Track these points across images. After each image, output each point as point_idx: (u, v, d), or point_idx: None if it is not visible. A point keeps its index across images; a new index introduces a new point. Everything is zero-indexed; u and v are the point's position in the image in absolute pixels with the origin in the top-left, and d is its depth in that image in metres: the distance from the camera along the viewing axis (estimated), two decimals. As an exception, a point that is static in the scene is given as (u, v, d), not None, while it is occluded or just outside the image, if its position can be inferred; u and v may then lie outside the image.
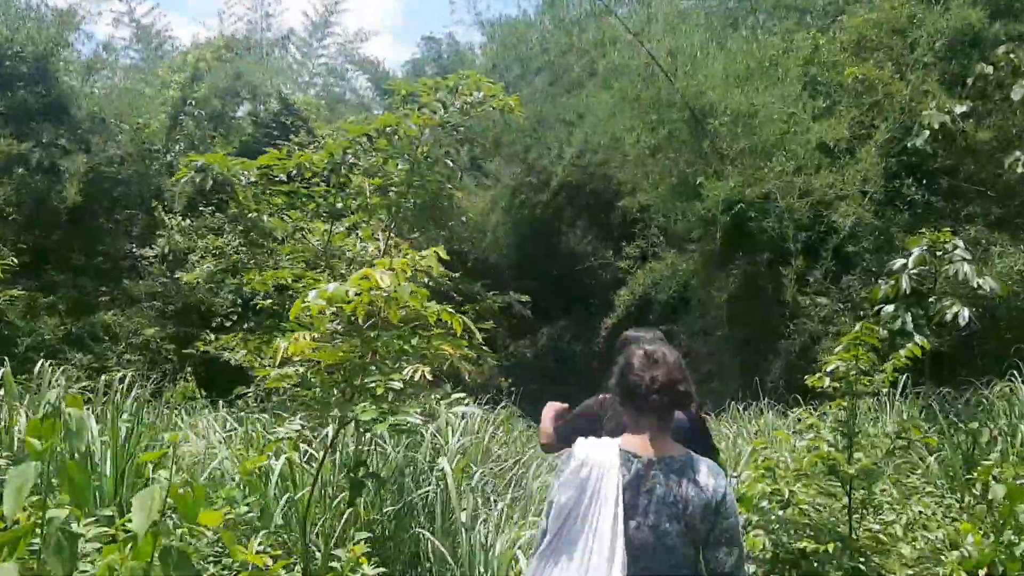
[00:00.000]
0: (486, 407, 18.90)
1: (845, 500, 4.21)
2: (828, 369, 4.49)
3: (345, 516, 4.25)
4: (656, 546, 2.27)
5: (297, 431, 3.72)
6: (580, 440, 2.44)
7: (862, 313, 12.10)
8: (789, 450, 4.81)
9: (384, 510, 4.56)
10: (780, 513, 4.06)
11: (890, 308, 8.38)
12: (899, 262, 8.51)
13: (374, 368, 3.40)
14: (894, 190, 12.28)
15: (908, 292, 8.23)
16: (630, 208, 20.47)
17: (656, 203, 14.61)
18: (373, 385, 3.24)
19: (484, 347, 12.45)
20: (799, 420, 9.45)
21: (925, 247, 8.41)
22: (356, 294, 3.40)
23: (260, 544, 3.69)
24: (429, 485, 4.62)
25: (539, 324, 27.23)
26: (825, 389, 4.44)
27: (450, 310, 3.66)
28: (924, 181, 12.20)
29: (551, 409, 4.02)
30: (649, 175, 15.39)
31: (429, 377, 3.26)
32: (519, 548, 4.17)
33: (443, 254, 3.62)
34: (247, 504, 3.97)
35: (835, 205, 12.41)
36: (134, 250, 14.53)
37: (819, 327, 12.47)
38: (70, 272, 14.34)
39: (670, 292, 15.88)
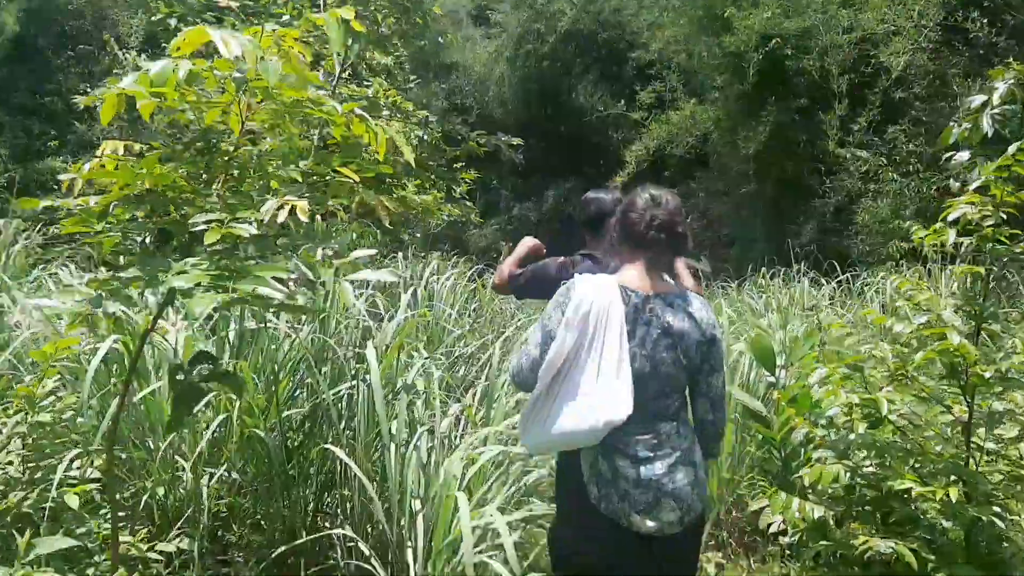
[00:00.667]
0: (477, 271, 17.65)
1: (951, 415, 2.86)
2: (952, 216, 3.06)
3: (211, 429, 2.98)
4: (652, 373, 2.37)
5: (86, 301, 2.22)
6: (579, 277, 2.45)
7: (910, 168, 10.57)
8: (879, 335, 3.52)
9: (283, 415, 3.27)
10: (864, 432, 2.72)
11: (964, 155, 6.80)
12: (978, 98, 6.85)
13: (216, 202, 1.99)
14: (953, 26, 10.43)
15: (989, 136, 6.64)
16: (644, 60, 18.60)
17: (677, 40, 12.66)
18: (203, 229, 1.83)
19: (468, 202, 10.97)
20: (842, 291, 8.32)
21: (1012, 80, 6.74)
22: (192, 78, 1.96)
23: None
24: (345, 382, 3.32)
25: (546, 185, 25.88)
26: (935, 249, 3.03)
27: (370, 120, 2.18)
28: (986, 18, 10.35)
29: (524, 247, 3.82)
30: (670, 8, 13.42)
31: (303, 216, 1.84)
32: (473, 471, 2.90)
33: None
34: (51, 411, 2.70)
35: (884, 42, 10.60)
36: (88, 90, 12.89)
37: (859, 184, 10.93)
38: (16, 113, 12.78)
39: (688, 146, 14.21)
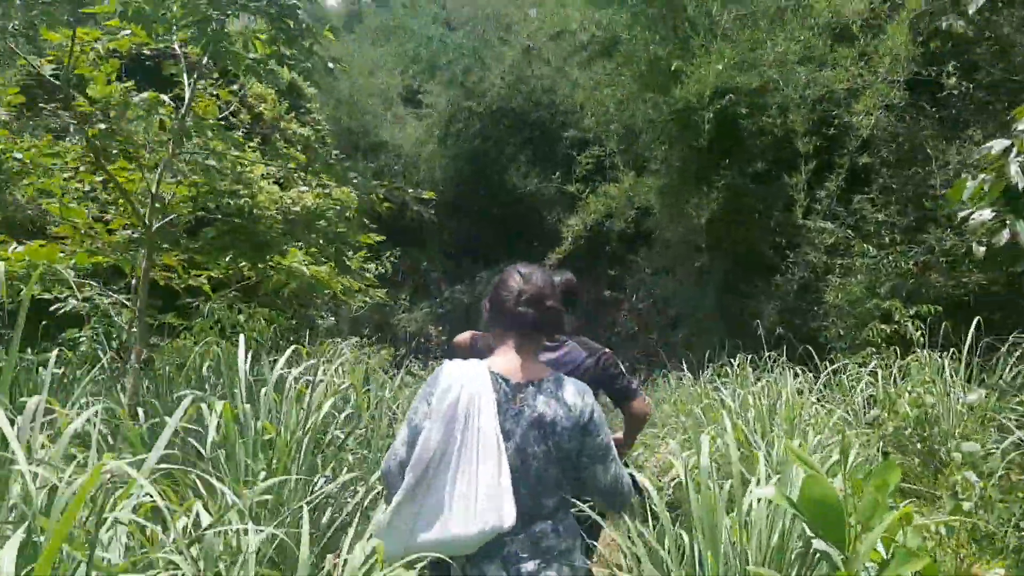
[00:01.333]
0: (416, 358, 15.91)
1: None
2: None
3: None
4: (524, 469, 2.17)
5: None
6: (448, 362, 2.30)
7: (885, 240, 9.27)
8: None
9: None
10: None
11: (986, 214, 5.38)
12: (1000, 143, 5.46)
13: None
14: (924, 82, 9.32)
15: (1020, 188, 5.24)
16: (577, 139, 17.58)
17: (618, 102, 11.29)
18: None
19: (367, 271, 9.15)
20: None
21: (1040, 122, 5.38)
22: None
23: None
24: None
25: (478, 267, 24.46)
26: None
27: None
28: (957, 75, 9.28)
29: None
30: (607, 73, 12.16)
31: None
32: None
33: None
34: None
35: (848, 101, 9.43)
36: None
37: (823, 259, 9.60)
38: None
39: (629, 219, 12.85)
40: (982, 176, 5.42)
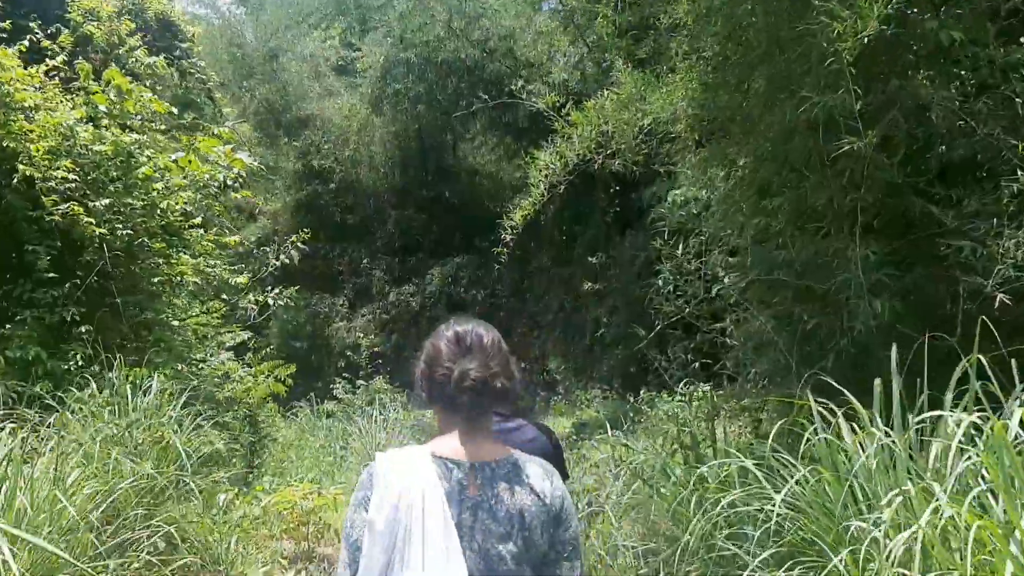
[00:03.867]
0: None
1: None
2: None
3: None
4: (486, 573, 1.80)
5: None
6: (381, 455, 1.93)
7: None
8: None
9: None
10: None
11: None
12: None
13: None
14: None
15: None
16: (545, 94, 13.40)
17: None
18: None
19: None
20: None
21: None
22: None
23: None
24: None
25: (428, 264, 20.19)
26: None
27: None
28: None
29: None
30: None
31: None
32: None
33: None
34: None
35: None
36: None
37: None
38: None
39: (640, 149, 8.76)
40: None
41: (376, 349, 18.99)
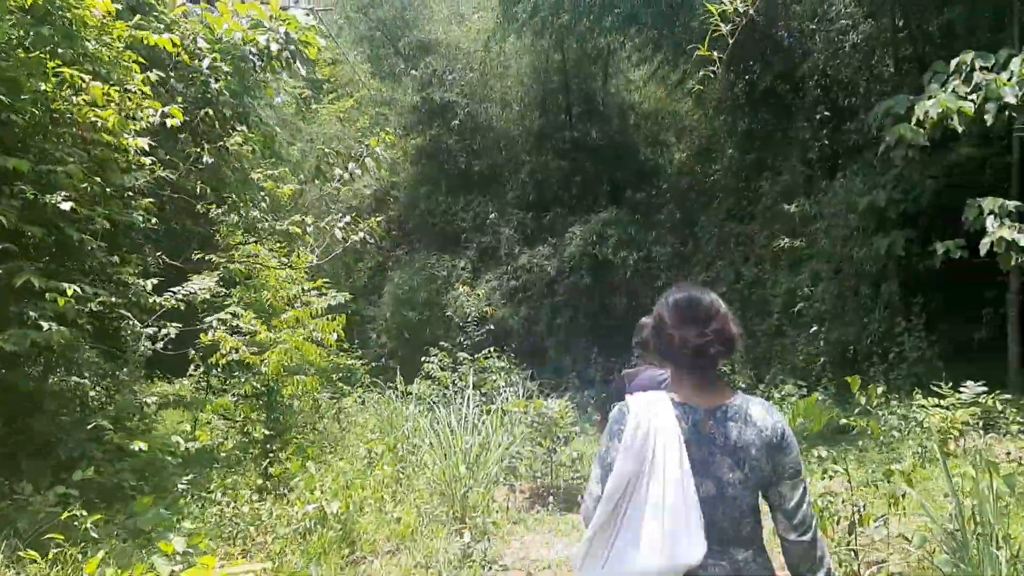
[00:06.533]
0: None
1: None
2: None
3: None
4: (718, 497, 2.18)
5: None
6: (632, 398, 2.32)
7: None
8: None
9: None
10: None
11: None
12: None
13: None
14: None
15: None
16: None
17: None
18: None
19: None
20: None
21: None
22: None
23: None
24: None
25: (568, 221, 16.51)
26: None
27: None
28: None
29: None
30: None
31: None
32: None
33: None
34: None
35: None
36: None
37: None
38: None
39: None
40: None
41: (503, 322, 15.64)
